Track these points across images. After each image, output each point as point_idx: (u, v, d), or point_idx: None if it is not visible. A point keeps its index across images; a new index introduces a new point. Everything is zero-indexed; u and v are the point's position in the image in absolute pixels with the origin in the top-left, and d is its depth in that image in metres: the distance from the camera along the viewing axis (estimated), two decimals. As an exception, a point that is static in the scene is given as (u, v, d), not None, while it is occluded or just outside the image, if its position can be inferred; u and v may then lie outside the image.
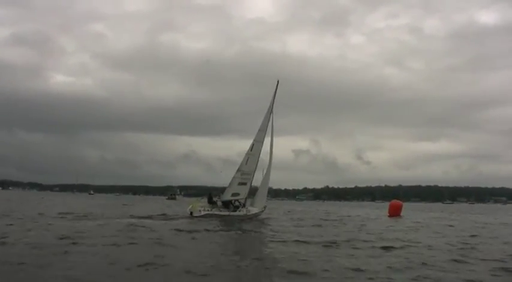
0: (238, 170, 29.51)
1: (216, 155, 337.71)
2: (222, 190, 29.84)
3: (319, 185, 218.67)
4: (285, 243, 15.46)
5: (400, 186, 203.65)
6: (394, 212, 39.34)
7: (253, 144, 30.17)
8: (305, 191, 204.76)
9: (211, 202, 28.21)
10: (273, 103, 30.79)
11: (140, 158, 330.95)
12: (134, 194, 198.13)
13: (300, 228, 22.51)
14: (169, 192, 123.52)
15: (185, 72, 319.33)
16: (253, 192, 31.12)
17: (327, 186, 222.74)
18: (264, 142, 30.51)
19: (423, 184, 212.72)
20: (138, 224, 20.36)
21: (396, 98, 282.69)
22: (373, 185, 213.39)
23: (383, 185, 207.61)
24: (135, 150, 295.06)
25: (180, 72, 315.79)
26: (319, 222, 29.22)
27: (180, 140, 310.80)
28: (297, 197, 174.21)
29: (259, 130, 30.52)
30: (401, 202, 44.07)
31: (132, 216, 26.17)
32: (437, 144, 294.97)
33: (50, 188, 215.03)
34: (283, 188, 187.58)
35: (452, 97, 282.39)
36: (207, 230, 19.35)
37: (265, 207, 31.55)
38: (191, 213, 26.59)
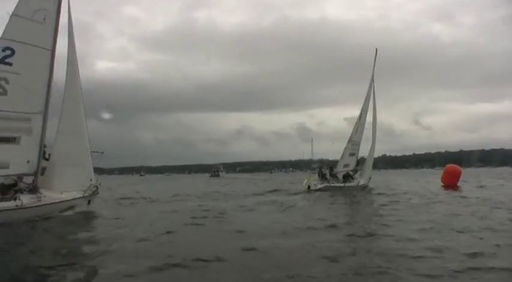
0: (349, 141, 29.62)
1: (269, 129, 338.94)
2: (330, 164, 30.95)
3: (375, 153, 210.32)
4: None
5: (461, 152, 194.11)
6: (451, 181, 30.49)
7: (361, 114, 30.02)
8: (361, 160, 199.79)
9: (323, 177, 28.25)
10: (374, 71, 30.56)
11: (193, 137, 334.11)
12: (189, 172, 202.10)
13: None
14: (212, 169, 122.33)
15: (223, 47, 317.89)
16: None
17: (384, 155, 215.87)
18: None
19: (487, 148, 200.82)
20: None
21: (449, 57, 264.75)
22: (432, 151, 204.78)
23: (443, 150, 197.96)
24: (188, 129, 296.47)
25: (218, 47, 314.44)
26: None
27: (231, 116, 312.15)
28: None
29: (365, 99, 30.22)
30: (459, 168, 33.25)
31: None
32: (500, 105, 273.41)
33: (110, 171, 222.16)
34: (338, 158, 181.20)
35: (510, 51, 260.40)
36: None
37: (370, 177, 31.34)
38: (308, 187, 26.57)
